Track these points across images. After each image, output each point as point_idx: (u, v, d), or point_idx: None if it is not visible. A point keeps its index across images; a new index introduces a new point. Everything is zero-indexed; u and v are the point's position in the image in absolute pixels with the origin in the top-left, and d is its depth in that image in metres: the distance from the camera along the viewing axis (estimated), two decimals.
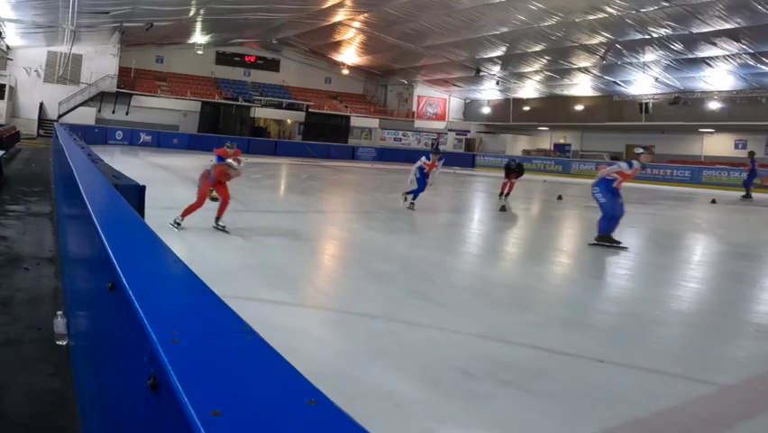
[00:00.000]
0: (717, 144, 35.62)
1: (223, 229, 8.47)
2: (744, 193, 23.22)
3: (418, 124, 48.20)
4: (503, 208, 14.11)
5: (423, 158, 13.22)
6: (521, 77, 40.20)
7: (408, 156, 44.05)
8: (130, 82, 40.74)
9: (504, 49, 35.27)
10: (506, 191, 17.57)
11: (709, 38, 27.12)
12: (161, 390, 1.07)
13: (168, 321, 1.24)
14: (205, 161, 26.47)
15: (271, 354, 1.15)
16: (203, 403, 0.92)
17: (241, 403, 0.94)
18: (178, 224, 8.35)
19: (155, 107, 40.50)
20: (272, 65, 47.33)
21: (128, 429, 1.42)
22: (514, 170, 17.60)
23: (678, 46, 28.92)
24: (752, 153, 24.08)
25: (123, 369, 1.52)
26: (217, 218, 8.61)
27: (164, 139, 39.20)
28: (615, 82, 36.36)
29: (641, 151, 9.23)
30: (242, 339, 1.21)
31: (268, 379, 1.06)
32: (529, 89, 42.45)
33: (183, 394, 0.95)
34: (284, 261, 7.36)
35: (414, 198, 13.16)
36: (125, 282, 1.49)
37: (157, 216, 7.32)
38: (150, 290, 1.46)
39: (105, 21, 31.86)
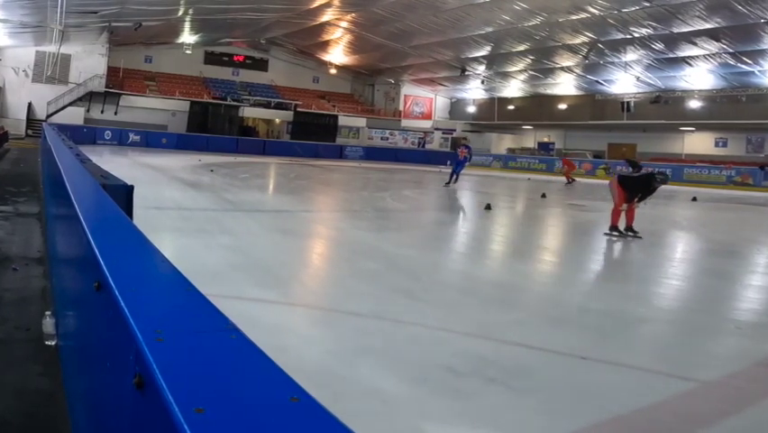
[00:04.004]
0: (698, 143, 35.96)
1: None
2: (448, 181, 22.64)
3: (405, 123, 48.29)
4: (488, 207, 14.07)
5: None
6: (506, 76, 40.40)
7: (396, 155, 44.29)
8: (118, 82, 40.50)
9: (489, 48, 35.43)
10: (619, 222, 10.44)
11: (690, 38, 27.38)
12: (146, 388, 1.08)
13: (153, 320, 1.25)
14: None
15: (255, 351, 1.16)
16: (186, 401, 0.93)
17: (223, 400, 0.95)
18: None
19: (144, 107, 40.30)
20: (261, 65, 47.23)
21: (115, 427, 1.43)
22: (653, 188, 10.45)
23: (659, 46, 29.18)
24: (464, 140, 25.87)
25: (109, 368, 1.53)
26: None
27: (153, 139, 39.02)
28: (597, 81, 36.62)
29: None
30: (226, 337, 1.22)
31: (250, 376, 1.07)
32: (513, 89, 42.68)
33: (167, 392, 0.96)
34: (272, 260, 7.36)
35: None
36: (111, 282, 1.50)
37: (145, 216, 7.31)
38: (136, 290, 1.47)
39: (93, 20, 31.64)
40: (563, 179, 28.94)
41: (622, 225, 10.24)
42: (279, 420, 0.93)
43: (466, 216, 14.51)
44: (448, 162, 22.53)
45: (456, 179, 21.90)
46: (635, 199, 10.38)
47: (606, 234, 10.33)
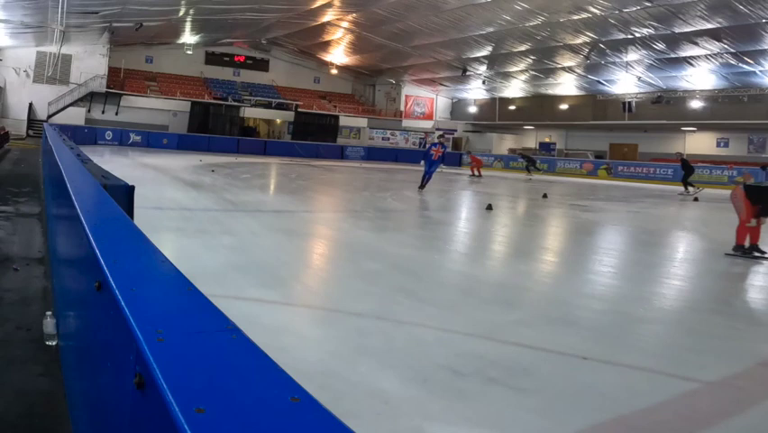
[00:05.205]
0: (700, 143, 35.93)
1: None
2: (421, 184, 19.53)
3: (406, 123, 48.28)
4: (490, 207, 14.09)
5: None
6: (507, 76, 40.37)
7: (397, 155, 44.29)
8: (119, 82, 40.53)
9: (490, 48, 35.40)
10: (745, 241, 8.96)
11: (691, 37, 27.35)
12: (147, 388, 1.08)
13: (153, 320, 1.25)
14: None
15: (255, 352, 1.16)
16: (187, 401, 0.93)
17: (224, 400, 0.95)
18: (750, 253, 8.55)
19: (145, 107, 40.31)
20: (261, 65, 47.25)
21: (116, 427, 1.43)
22: None
23: (660, 46, 29.16)
24: (441, 137, 25.83)
25: (110, 368, 1.53)
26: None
27: (154, 139, 39.06)
28: (598, 81, 36.60)
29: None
30: (227, 338, 1.22)
31: (251, 376, 1.07)
32: (515, 89, 42.66)
33: (168, 392, 0.96)
34: (273, 260, 7.36)
35: None
36: (112, 282, 1.50)
37: (146, 216, 7.31)
38: (137, 290, 1.46)
39: (94, 21, 31.63)
40: (475, 173, 30.50)
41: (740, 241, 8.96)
42: (280, 420, 0.93)
43: (467, 216, 14.50)
44: (421, 162, 20.22)
45: (427, 182, 19.22)
46: (762, 221, 8.80)
47: (728, 254, 8.92)
